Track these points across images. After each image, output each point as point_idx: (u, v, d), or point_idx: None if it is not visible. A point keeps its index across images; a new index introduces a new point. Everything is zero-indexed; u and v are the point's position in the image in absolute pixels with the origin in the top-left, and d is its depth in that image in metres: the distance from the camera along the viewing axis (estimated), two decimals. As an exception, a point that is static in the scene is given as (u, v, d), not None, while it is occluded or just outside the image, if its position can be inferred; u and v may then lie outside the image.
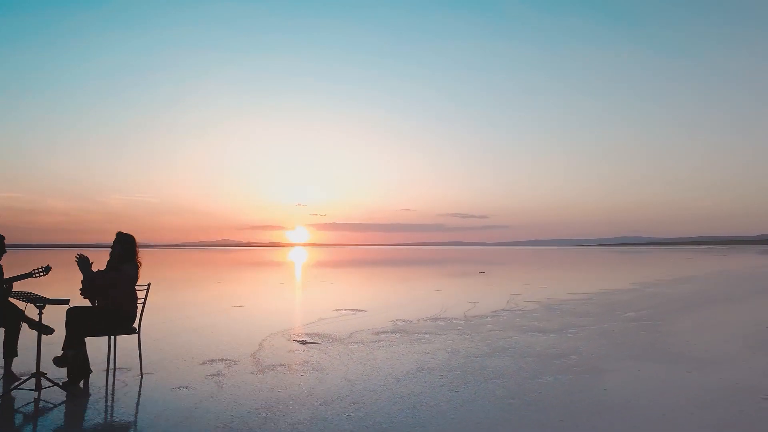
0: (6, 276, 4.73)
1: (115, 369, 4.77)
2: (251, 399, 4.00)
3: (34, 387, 4.01)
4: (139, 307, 4.73)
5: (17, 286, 4.78)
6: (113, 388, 4.36)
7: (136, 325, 4.68)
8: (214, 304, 10.87)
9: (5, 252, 4.86)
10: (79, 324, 4.23)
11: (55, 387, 4.14)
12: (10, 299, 4.60)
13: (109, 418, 3.65)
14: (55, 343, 4.98)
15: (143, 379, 4.58)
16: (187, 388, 4.32)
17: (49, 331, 4.48)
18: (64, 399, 4.02)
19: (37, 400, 3.97)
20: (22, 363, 4.88)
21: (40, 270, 4.74)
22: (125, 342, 5.38)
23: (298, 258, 55.55)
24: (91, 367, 4.55)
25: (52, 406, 3.88)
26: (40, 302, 3.99)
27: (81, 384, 4.36)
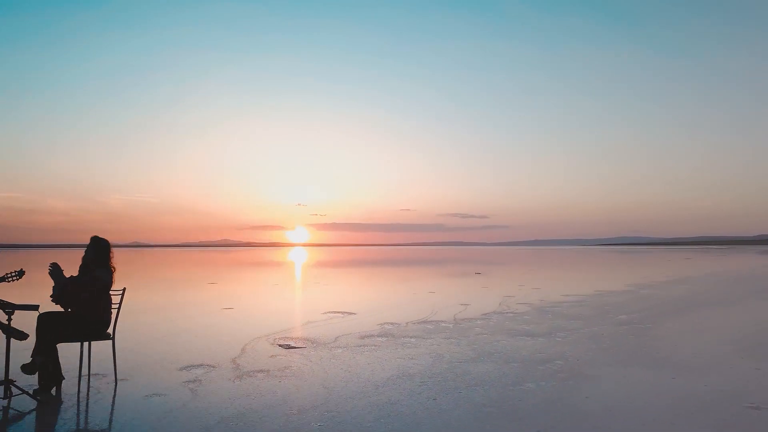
0: None
1: (89, 376, 4.68)
2: (224, 408, 3.92)
3: (3, 395, 3.92)
4: (114, 312, 4.64)
5: None
6: (87, 395, 4.27)
7: (110, 330, 4.60)
8: (204, 306, 10.79)
9: None
10: (50, 330, 4.15)
11: (26, 395, 4.06)
12: None
13: (77, 426, 3.56)
14: (27, 350, 4.89)
15: (117, 386, 4.50)
16: (160, 395, 4.23)
17: (23, 336, 4.40)
18: (35, 407, 3.94)
19: (6, 409, 3.89)
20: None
21: (13, 274, 4.65)
22: (103, 348, 5.30)
23: (297, 258, 55.48)
24: (64, 374, 4.47)
25: (21, 414, 3.79)
26: (9, 308, 3.91)
27: (53, 391, 4.29)
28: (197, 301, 11.84)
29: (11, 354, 3.97)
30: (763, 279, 19.25)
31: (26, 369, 4.05)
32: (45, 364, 4.05)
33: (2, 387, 3.95)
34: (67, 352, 5.01)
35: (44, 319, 4.18)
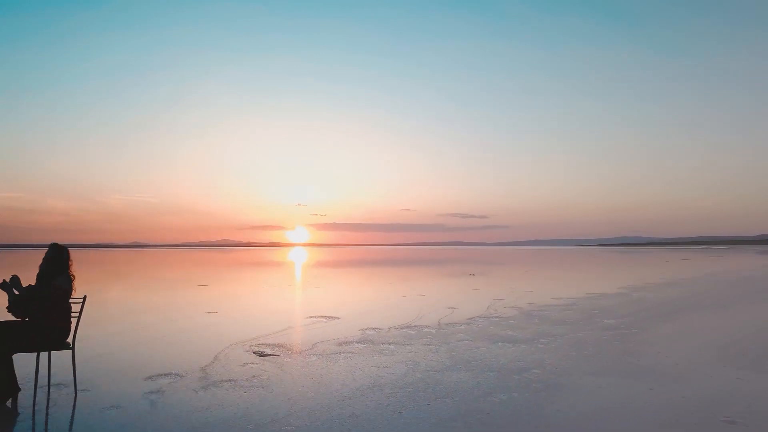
0: None
1: (49, 387, 4.54)
2: (181, 421, 3.79)
3: (-48, 408, 3.79)
4: (74, 321, 4.50)
5: None
6: (46, 407, 4.14)
7: (70, 339, 4.46)
8: (188, 309, 10.66)
9: None
10: (3, 341, 4.02)
11: (-23, 408, 3.92)
12: None
13: (23, 443, 3.43)
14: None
15: (77, 398, 4.36)
16: (117, 407, 4.10)
17: None
18: (-14, 420, 3.81)
19: (-44, 422, 3.76)
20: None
21: None
22: (67, 358, 5.16)
23: (296, 259, 55.36)
24: (21, 386, 4.34)
25: (-30, 428, 3.66)
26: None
27: (8, 403, 4.16)
28: (182, 305, 11.71)
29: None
30: (757, 281, 19.11)
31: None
32: (-2, 375, 3.92)
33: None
34: (29, 362, 4.87)
35: (-3, 330, 4.05)
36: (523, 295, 13.20)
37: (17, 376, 4.33)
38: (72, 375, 4.59)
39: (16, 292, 4.21)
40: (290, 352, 6.25)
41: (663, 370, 5.38)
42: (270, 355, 6.12)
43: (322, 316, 9.43)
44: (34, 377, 4.25)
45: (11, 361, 4.18)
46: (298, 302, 12.37)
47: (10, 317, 4.35)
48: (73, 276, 4.48)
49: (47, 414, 3.96)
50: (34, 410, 4.06)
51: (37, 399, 4.25)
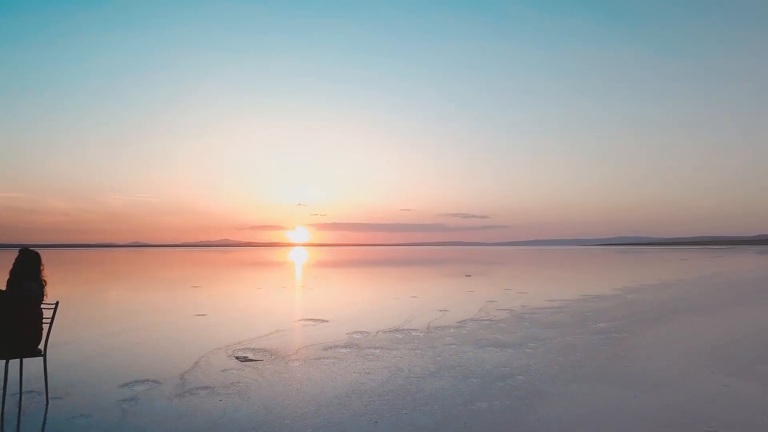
0: None
1: (21, 395, 4.45)
2: (149, 431, 3.69)
3: None
4: (46, 327, 4.41)
5: None
6: (17, 415, 4.05)
7: (42, 346, 4.37)
8: (177, 312, 10.57)
9: None
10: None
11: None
12: None
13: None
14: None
15: (48, 406, 4.27)
16: (88, 416, 4.01)
17: None
18: (-49, 430, 3.72)
19: None
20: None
21: None
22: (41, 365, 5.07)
23: (294, 259, 55.28)
24: (-10, 394, 4.25)
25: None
26: None
27: (-24, 412, 4.06)
28: (171, 307, 11.61)
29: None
30: (753, 282, 19.01)
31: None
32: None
33: None
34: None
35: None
36: (516, 297, 13.11)
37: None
38: (44, 382, 4.50)
39: None
40: (273, 358, 6.16)
41: (650, 376, 5.29)
42: (252, 360, 6.03)
43: (311, 319, 9.34)
44: (3, 385, 4.16)
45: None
46: (290, 304, 12.28)
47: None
48: (45, 281, 4.39)
49: (18, 422, 3.88)
50: (2, 419, 3.97)
51: (6, 407, 4.16)
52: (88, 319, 9.67)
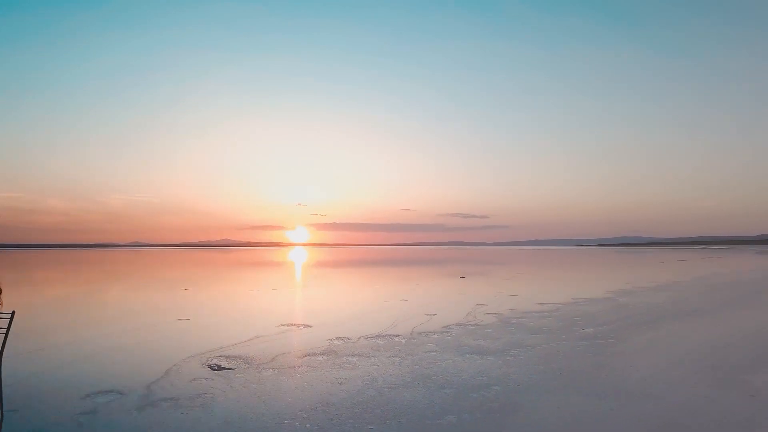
0: None
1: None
2: (100, 449, 3.55)
3: None
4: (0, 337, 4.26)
5: None
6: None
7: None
8: (158, 316, 10.42)
9: None
10: None
11: None
12: None
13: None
14: None
15: (2, 419, 4.13)
16: (41, 430, 3.87)
17: None
18: None
19: None
20: None
21: None
22: (12, 374, 4.92)
23: (293, 259, 55.15)
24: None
25: None
26: None
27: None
28: (154, 311, 11.47)
29: None
30: (749, 284, 18.86)
31: None
32: None
33: None
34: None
35: None
36: (506, 301, 12.96)
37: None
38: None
39: None
40: (246, 366, 6.02)
41: (630, 386, 5.14)
42: (225, 368, 5.88)
43: (294, 324, 9.20)
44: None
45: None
46: (276, 308, 12.14)
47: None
48: (0, 289, 4.25)
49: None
50: (-49, 434, 3.83)
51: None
52: (65, 324, 9.53)
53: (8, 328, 4.31)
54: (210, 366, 6.00)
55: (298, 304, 12.89)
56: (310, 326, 8.99)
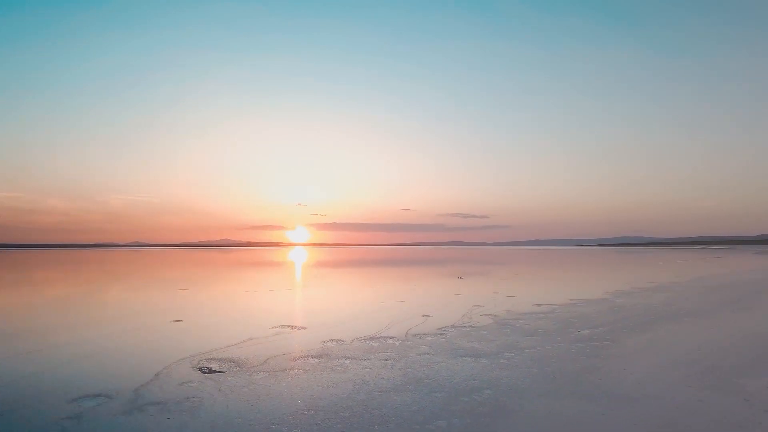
0: None
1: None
2: (82, 455, 3.50)
3: None
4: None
5: None
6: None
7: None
8: (152, 318, 10.37)
9: None
10: None
11: None
12: None
13: None
14: None
15: (-14, 425, 4.09)
16: (24, 437, 3.82)
17: None
18: None
19: None
20: None
21: None
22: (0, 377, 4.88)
23: (292, 259, 55.08)
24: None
25: None
26: None
27: None
28: (149, 313, 11.41)
29: None
30: (746, 285, 18.80)
31: None
32: None
33: None
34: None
35: None
36: (503, 302, 12.91)
37: None
38: (-16, 399, 4.31)
39: None
40: (237, 369, 5.97)
41: (623, 390, 5.09)
42: (215, 372, 5.83)
43: (288, 326, 9.15)
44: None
45: None
46: (272, 309, 12.08)
47: None
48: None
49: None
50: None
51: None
52: (58, 326, 9.48)
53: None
54: (201, 369, 5.96)
55: (295, 305, 12.83)
56: (305, 328, 8.94)
